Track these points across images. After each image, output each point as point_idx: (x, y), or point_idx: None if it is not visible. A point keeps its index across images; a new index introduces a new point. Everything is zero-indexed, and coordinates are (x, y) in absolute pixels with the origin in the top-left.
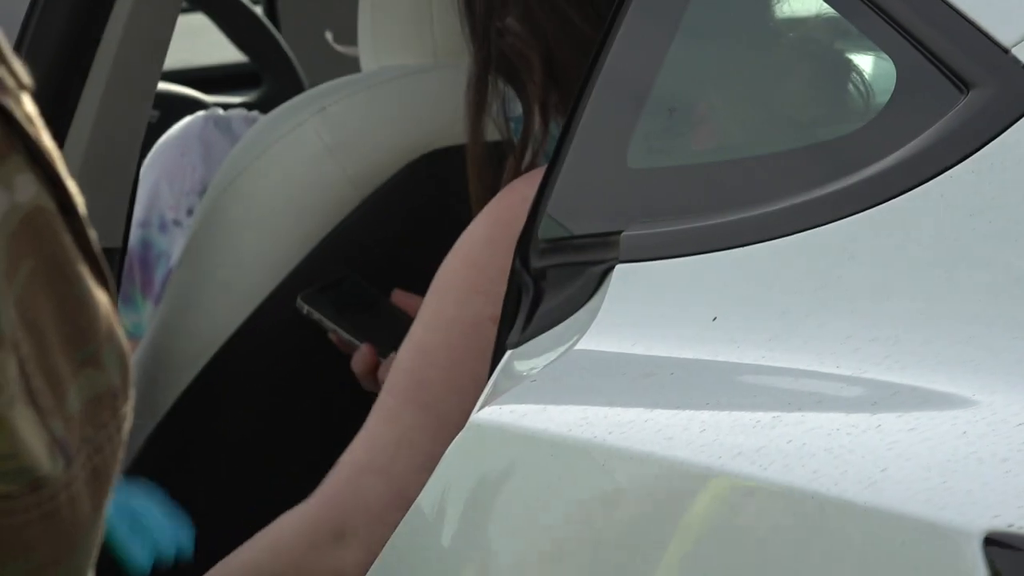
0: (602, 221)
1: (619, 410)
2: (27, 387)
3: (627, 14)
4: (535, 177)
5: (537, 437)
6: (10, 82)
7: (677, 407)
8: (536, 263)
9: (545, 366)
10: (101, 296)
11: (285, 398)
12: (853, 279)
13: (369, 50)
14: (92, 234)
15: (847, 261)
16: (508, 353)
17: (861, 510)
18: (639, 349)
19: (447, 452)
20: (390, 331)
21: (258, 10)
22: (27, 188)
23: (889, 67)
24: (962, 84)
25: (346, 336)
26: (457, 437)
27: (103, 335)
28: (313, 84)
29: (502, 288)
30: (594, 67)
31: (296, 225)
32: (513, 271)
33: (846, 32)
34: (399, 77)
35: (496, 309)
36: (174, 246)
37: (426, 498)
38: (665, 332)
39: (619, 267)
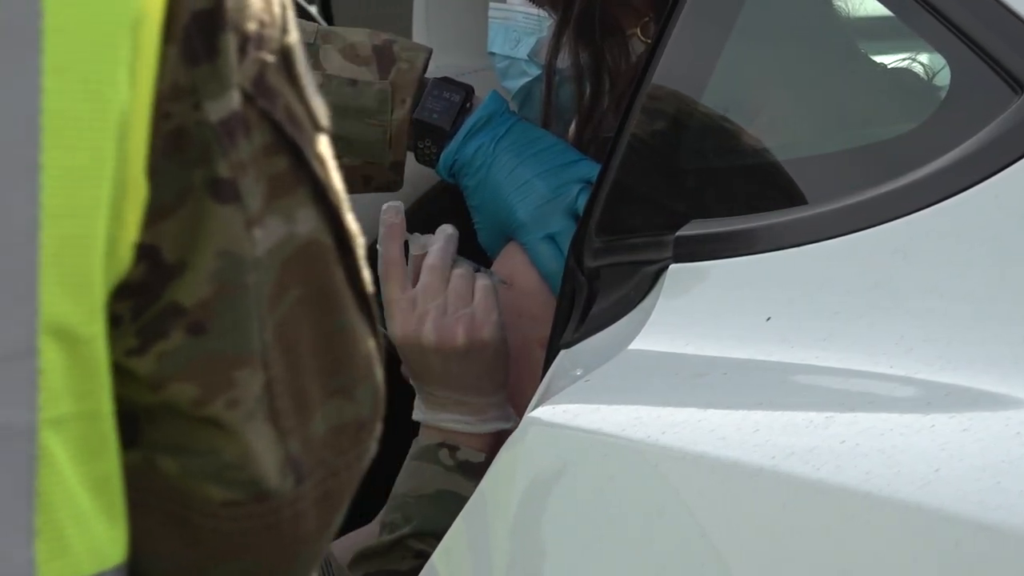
0: (656, 221)
1: (672, 410)
2: (271, 405)
3: (682, 13)
4: None
5: (590, 437)
6: (306, 123)
7: (730, 407)
8: (590, 263)
9: (598, 366)
10: (366, 336)
11: None
12: (906, 280)
13: None
14: (366, 275)
15: (900, 262)
16: (561, 353)
17: (914, 510)
18: (692, 349)
19: (500, 450)
20: None
21: (313, 9)
22: (307, 221)
23: (943, 68)
24: (1016, 85)
25: None
26: (510, 436)
27: (360, 372)
28: None
29: (550, 311)
30: (648, 67)
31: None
32: (567, 271)
33: (900, 33)
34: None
35: (542, 331)
36: None
37: (478, 497)
38: (718, 332)
39: (672, 267)
